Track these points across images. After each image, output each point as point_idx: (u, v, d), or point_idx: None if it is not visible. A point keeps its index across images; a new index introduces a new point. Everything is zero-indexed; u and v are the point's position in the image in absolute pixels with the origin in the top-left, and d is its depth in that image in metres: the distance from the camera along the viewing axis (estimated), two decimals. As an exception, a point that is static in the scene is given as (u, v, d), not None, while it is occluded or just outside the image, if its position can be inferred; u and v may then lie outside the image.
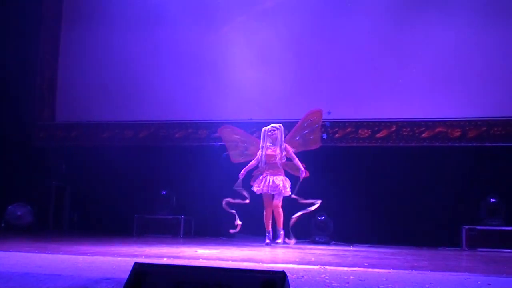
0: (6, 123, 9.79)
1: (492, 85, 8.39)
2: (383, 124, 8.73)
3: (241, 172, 7.53)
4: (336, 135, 8.84)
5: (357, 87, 8.81)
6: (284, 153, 7.41)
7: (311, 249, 7.12)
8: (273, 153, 7.39)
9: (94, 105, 9.66)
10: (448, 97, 8.53)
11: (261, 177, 7.46)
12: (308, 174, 7.53)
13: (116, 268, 4.01)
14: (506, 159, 8.23)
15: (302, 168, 7.43)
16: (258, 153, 7.53)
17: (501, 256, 6.85)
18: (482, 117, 8.39)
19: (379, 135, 8.73)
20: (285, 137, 7.53)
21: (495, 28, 8.47)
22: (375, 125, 8.76)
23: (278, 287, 2.53)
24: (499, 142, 8.31)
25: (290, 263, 4.89)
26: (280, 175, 7.41)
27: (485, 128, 8.38)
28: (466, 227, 7.86)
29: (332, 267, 4.43)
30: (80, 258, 4.71)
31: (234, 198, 7.61)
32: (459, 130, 8.45)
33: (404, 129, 8.64)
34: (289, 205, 7.55)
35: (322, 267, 4.40)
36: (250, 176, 7.71)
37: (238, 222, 7.60)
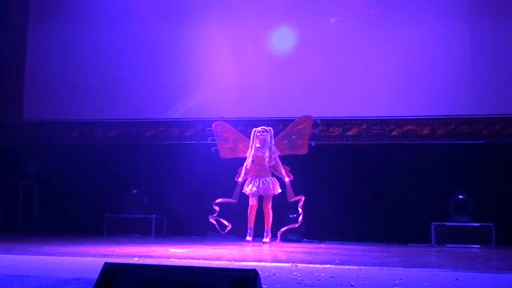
0: (-29, 122, 9.61)
1: (460, 84, 8.51)
2: (353, 122, 8.80)
3: (242, 176, 7.60)
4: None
5: (328, 85, 8.85)
6: (273, 156, 7.54)
7: (282, 247, 7.14)
8: (262, 155, 7.49)
9: (63, 104, 9.54)
10: (417, 95, 8.62)
11: (249, 179, 7.56)
12: (292, 177, 7.67)
13: (86, 268, 3.97)
14: (474, 156, 8.36)
15: (284, 174, 7.56)
16: (248, 152, 7.62)
17: (469, 252, 6.96)
18: (450, 115, 8.51)
19: (349, 133, 8.79)
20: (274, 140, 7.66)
21: (463, 27, 8.59)
22: (345, 123, 8.82)
23: (249, 285, 2.53)
24: (467, 139, 8.43)
25: (261, 261, 4.90)
26: (268, 176, 7.54)
27: (453, 126, 8.50)
28: (435, 223, 7.97)
29: (303, 265, 4.46)
30: (49, 258, 4.66)
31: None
32: (428, 128, 8.55)
33: (374, 127, 8.72)
34: (278, 206, 7.75)
35: (294, 265, 4.41)
36: (236, 173, 7.75)
37: (226, 223, 7.72)
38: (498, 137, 8.35)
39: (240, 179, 7.64)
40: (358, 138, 8.77)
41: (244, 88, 8.96)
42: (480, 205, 8.08)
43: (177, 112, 9.19)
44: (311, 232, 8.36)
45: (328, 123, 8.81)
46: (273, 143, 7.60)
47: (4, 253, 4.96)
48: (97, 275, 2.67)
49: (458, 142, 8.47)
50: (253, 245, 7.26)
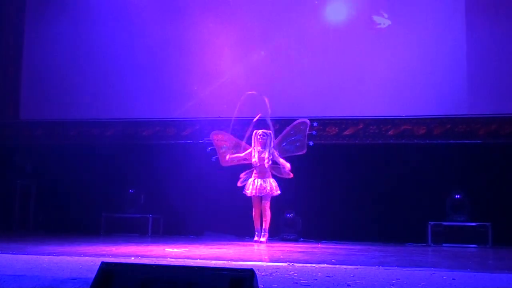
0: (-32, 122, 9.59)
1: (456, 83, 8.52)
2: (350, 122, 8.80)
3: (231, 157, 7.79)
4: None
5: (324, 85, 8.85)
6: (271, 157, 7.65)
7: (279, 246, 7.14)
8: (262, 156, 7.61)
9: (60, 103, 9.52)
10: (413, 95, 8.63)
11: (250, 180, 7.69)
12: (292, 175, 7.73)
13: (83, 268, 3.96)
14: (470, 156, 8.38)
15: (283, 162, 7.67)
16: (248, 151, 7.73)
17: (465, 252, 6.97)
18: (447, 115, 8.52)
19: (346, 132, 8.80)
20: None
21: (459, 27, 8.60)
22: (342, 123, 8.82)
23: (246, 285, 2.53)
24: (464, 139, 8.45)
25: (258, 260, 4.89)
26: (267, 177, 7.66)
27: (449, 125, 8.51)
28: (432, 223, 7.98)
29: (300, 264, 4.45)
30: (46, 258, 4.64)
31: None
32: (424, 127, 8.57)
33: (371, 127, 8.72)
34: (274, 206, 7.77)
35: (291, 264, 4.41)
36: (238, 178, 7.85)
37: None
38: (495, 137, 8.36)
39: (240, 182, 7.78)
40: (355, 138, 8.78)
41: (240, 88, 8.94)
42: (476, 204, 8.10)
43: (174, 111, 9.18)
44: (308, 231, 8.37)
45: (325, 122, 8.81)
46: (272, 145, 7.72)
47: (0, 253, 4.95)
48: (94, 275, 2.67)
49: (454, 141, 8.48)
50: (251, 245, 7.26)
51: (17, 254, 4.95)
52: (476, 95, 8.45)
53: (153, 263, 3.65)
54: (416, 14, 8.74)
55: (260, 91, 8.84)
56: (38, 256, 4.76)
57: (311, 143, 7.91)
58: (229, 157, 7.78)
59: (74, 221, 9.04)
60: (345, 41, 8.89)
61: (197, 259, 4.94)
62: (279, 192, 7.65)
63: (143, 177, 9.15)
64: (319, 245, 7.52)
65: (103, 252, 5.47)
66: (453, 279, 3.66)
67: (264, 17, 9.13)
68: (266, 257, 5.43)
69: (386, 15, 8.72)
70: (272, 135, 7.73)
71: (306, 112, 8.78)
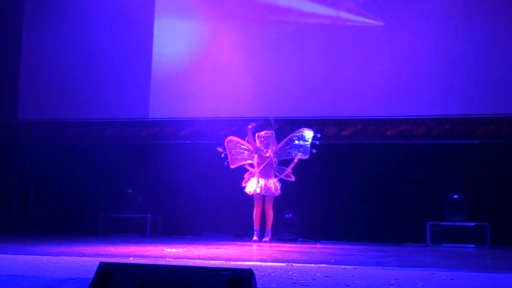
0: (-34, 121, 9.58)
1: (455, 84, 8.53)
2: (349, 122, 8.80)
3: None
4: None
5: (323, 85, 8.85)
6: (276, 156, 7.88)
7: (278, 246, 7.14)
8: (266, 155, 7.81)
9: (58, 103, 9.51)
10: (412, 95, 8.64)
11: (252, 179, 7.84)
12: (294, 178, 7.94)
13: (82, 268, 3.96)
14: (469, 156, 8.38)
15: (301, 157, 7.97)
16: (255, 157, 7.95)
17: (464, 252, 6.97)
18: (445, 115, 8.53)
19: (345, 133, 8.80)
20: (277, 143, 7.96)
21: (458, 27, 8.61)
22: (341, 123, 8.82)
23: (245, 285, 2.53)
24: (462, 139, 8.45)
25: (257, 260, 4.90)
26: (271, 177, 7.85)
27: (448, 126, 8.51)
28: (430, 223, 7.98)
29: (299, 264, 4.46)
30: (45, 258, 4.64)
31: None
32: (423, 128, 8.57)
33: (370, 127, 8.73)
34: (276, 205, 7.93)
35: (289, 264, 4.41)
36: (237, 178, 7.99)
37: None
38: (493, 137, 8.37)
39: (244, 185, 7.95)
40: (353, 138, 8.78)
41: (239, 88, 8.96)
42: (475, 204, 8.11)
43: (172, 111, 9.18)
44: (307, 232, 8.37)
45: (323, 122, 8.82)
46: (276, 145, 7.92)
47: (-1, 253, 4.95)
48: (93, 275, 2.67)
49: (453, 142, 8.49)
50: (249, 245, 7.26)
51: (16, 254, 4.95)
52: (475, 95, 8.46)
53: (151, 263, 3.65)
54: (414, 13, 8.74)
55: (259, 90, 8.88)
56: (37, 256, 4.76)
57: (314, 150, 7.98)
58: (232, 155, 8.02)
59: (73, 221, 9.03)
60: (344, 41, 8.89)
61: (195, 259, 4.94)
62: (280, 192, 7.83)
63: (142, 177, 9.14)
64: (318, 245, 7.53)
65: (102, 252, 5.47)
66: (452, 279, 3.67)
67: (263, 17, 9.13)
68: (264, 257, 5.44)
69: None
70: (274, 136, 7.89)
71: (305, 112, 8.81)
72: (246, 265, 4.32)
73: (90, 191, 9.09)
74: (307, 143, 8.03)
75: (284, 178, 7.96)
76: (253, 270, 2.61)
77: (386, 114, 8.69)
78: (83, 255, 5.04)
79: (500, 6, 8.54)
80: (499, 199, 8.14)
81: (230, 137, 8.24)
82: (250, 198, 7.91)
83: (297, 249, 6.61)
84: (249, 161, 8.02)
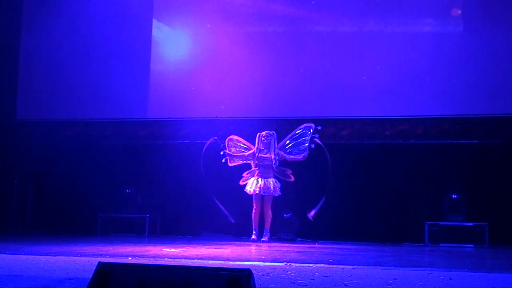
0: (-35, 121, 9.55)
1: (453, 83, 8.52)
2: (347, 122, 8.80)
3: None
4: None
5: (322, 85, 8.85)
6: (277, 157, 7.94)
7: (276, 246, 7.15)
8: (267, 156, 7.89)
9: (57, 103, 9.48)
10: (411, 95, 8.63)
11: (252, 179, 7.92)
12: (293, 179, 8.04)
13: (80, 268, 3.96)
14: (467, 156, 8.38)
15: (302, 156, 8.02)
16: (251, 151, 8.00)
17: (462, 251, 6.98)
18: (444, 115, 8.52)
19: (343, 132, 8.80)
20: (277, 143, 8.02)
21: (456, 27, 8.61)
22: (339, 123, 8.82)
23: (243, 285, 2.53)
24: (461, 139, 8.45)
25: (255, 260, 4.90)
26: (270, 177, 7.92)
27: (447, 125, 8.51)
28: (429, 223, 7.98)
29: (297, 264, 4.46)
30: (43, 258, 4.65)
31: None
32: (421, 127, 8.56)
33: (368, 127, 8.72)
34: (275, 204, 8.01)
35: (288, 264, 4.42)
36: (240, 177, 8.08)
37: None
38: (492, 137, 8.37)
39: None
40: (352, 138, 8.77)
41: (237, 88, 8.95)
42: (473, 204, 8.10)
43: (171, 111, 9.18)
44: (305, 231, 8.37)
45: (322, 122, 8.81)
46: (277, 145, 7.98)
47: (-3, 253, 4.95)
48: (91, 275, 2.67)
49: (451, 141, 8.49)
50: (248, 245, 7.27)
51: (14, 254, 4.96)
52: (474, 95, 8.45)
53: (150, 263, 3.65)
54: (412, 13, 8.74)
55: (257, 90, 8.88)
56: (35, 256, 4.76)
57: (312, 145, 8.03)
58: (230, 155, 8.09)
59: (71, 221, 9.02)
60: (342, 41, 8.88)
61: (194, 259, 4.94)
62: (280, 193, 7.92)
63: (140, 177, 9.13)
64: (316, 245, 7.53)
65: (100, 252, 5.47)
66: (450, 279, 3.67)
67: (261, 17, 9.12)
68: (263, 257, 5.44)
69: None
70: (275, 136, 7.98)
71: (303, 112, 8.80)
72: (245, 265, 4.32)
73: (89, 191, 9.07)
74: (307, 138, 8.07)
75: (283, 178, 8.01)
76: (252, 270, 2.62)
77: (385, 114, 8.68)
78: (82, 255, 5.04)
79: (499, 5, 8.53)
80: (498, 199, 8.14)
81: (231, 136, 8.30)
82: (248, 198, 7.92)
83: (296, 249, 6.61)
84: (249, 161, 8.05)
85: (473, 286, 3.51)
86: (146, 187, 9.09)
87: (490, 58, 8.44)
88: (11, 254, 4.95)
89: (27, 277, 3.51)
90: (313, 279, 3.59)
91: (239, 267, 2.80)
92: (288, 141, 8.13)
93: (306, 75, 8.89)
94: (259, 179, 7.86)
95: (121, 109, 9.33)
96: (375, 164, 8.64)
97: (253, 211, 7.90)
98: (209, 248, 6.48)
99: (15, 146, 9.58)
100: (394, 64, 8.68)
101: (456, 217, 8.06)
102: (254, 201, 7.91)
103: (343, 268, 4.20)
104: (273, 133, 7.97)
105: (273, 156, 7.87)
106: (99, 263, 2.69)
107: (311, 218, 7.93)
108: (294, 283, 3.45)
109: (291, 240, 8.15)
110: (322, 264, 4.50)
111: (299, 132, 8.13)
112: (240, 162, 8.15)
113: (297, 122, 8.59)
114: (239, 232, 8.35)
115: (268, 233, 7.90)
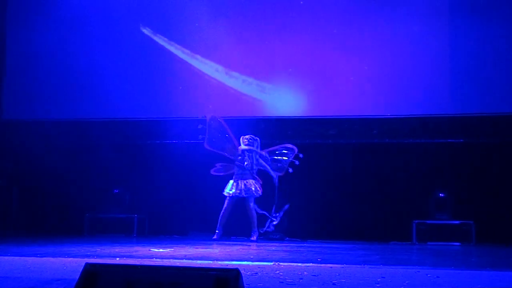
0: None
1: (439, 83, 8.56)
2: (334, 121, 8.82)
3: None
4: (289, 132, 8.89)
5: (308, 84, 8.85)
6: (255, 162, 7.99)
7: (265, 245, 7.14)
8: (246, 160, 7.92)
9: (43, 103, 9.41)
10: (397, 94, 8.67)
11: (231, 182, 7.92)
12: (261, 194, 8.01)
13: (67, 269, 3.94)
14: (454, 155, 8.44)
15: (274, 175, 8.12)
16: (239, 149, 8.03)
17: (449, 250, 7.02)
18: (430, 114, 8.56)
19: (330, 132, 8.82)
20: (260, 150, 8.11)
21: (443, 26, 8.64)
22: (326, 122, 8.83)
23: (231, 285, 2.52)
24: (447, 138, 8.50)
25: (244, 260, 4.89)
26: (250, 179, 7.92)
27: (433, 125, 8.56)
28: (416, 221, 8.02)
29: (286, 263, 4.46)
30: (30, 259, 4.60)
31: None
32: (408, 126, 8.60)
33: (355, 126, 8.75)
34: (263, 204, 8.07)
35: (276, 264, 4.41)
36: (224, 179, 8.08)
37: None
38: (477, 136, 8.43)
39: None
40: (339, 137, 8.79)
41: (226, 88, 8.94)
42: (460, 203, 8.16)
43: (159, 111, 9.15)
44: (293, 231, 8.38)
45: (310, 122, 8.83)
46: (259, 150, 8.04)
47: (-17, 254, 4.90)
48: (78, 276, 2.65)
49: (438, 140, 8.54)
50: (236, 244, 7.26)
51: (0, 255, 4.90)
52: (459, 94, 8.51)
53: (138, 263, 3.63)
54: (399, 13, 8.75)
55: (246, 90, 8.87)
56: (21, 258, 4.72)
57: (290, 170, 8.13)
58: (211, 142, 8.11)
59: (58, 222, 8.96)
60: (330, 40, 8.88)
61: (182, 259, 4.92)
62: (260, 194, 7.92)
63: (128, 177, 9.09)
64: (305, 244, 7.53)
65: (88, 253, 5.43)
66: (437, 277, 3.69)
67: (250, 16, 9.11)
68: (251, 257, 5.43)
69: None
70: (259, 142, 8.04)
71: (291, 111, 8.81)
72: (233, 264, 4.31)
73: (76, 191, 9.02)
74: (286, 158, 8.16)
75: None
76: (240, 270, 2.61)
77: (372, 113, 8.71)
78: (69, 255, 5.00)
79: (485, 5, 8.57)
80: (484, 197, 8.20)
81: (213, 115, 8.26)
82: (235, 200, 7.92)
83: (284, 248, 6.62)
84: (226, 154, 8.10)
85: (459, 284, 3.53)
86: (134, 187, 9.05)
87: (477, 57, 8.48)
88: (-3, 255, 4.91)
89: (13, 278, 3.48)
90: (302, 278, 3.59)
91: (227, 267, 2.79)
92: (269, 155, 8.19)
93: (293, 75, 8.88)
94: (239, 181, 7.86)
95: (109, 108, 9.28)
96: (362, 164, 8.68)
97: (222, 212, 7.89)
98: (197, 248, 6.47)
99: (0, 146, 9.49)
100: (382, 64, 8.71)
101: (443, 215, 8.11)
102: (227, 202, 7.90)
103: (331, 267, 4.20)
104: (256, 138, 8.03)
105: (249, 160, 7.89)
106: (86, 263, 2.68)
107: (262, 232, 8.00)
108: (282, 282, 3.45)
109: (280, 239, 8.15)
110: (311, 264, 4.50)
111: (281, 151, 8.22)
112: (220, 152, 8.14)
113: (285, 122, 8.63)
114: (227, 232, 8.33)
115: (257, 232, 7.91)
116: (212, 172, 8.08)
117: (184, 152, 8.60)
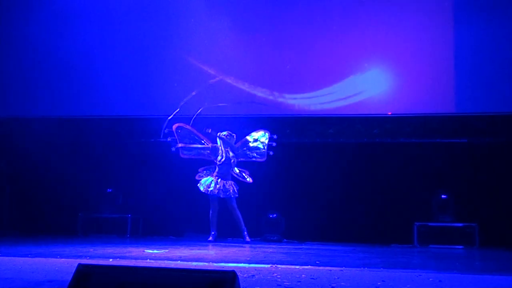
0: None
1: (443, 82, 8.55)
2: (334, 119, 8.81)
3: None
4: (287, 131, 8.88)
5: (308, 82, 8.84)
6: (237, 157, 8.14)
7: (262, 247, 7.14)
8: (228, 155, 8.06)
9: (36, 100, 9.39)
10: (400, 93, 8.65)
11: (211, 179, 8.05)
12: (251, 180, 8.14)
13: (59, 269, 3.94)
14: (457, 155, 8.42)
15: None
16: (207, 146, 8.24)
17: (452, 253, 7.02)
18: (433, 113, 8.55)
19: (330, 131, 8.81)
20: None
21: (447, 25, 8.64)
22: (326, 121, 8.82)
23: (228, 287, 2.52)
24: (450, 138, 8.50)
25: (240, 262, 4.89)
26: (229, 179, 8.07)
27: (436, 124, 8.55)
28: (418, 224, 8.01)
29: (283, 266, 4.46)
30: (21, 259, 4.61)
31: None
32: (410, 126, 8.60)
33: (356, 125, 8.74)
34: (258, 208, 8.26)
35: (274, 266, 4.42)
36: (196, 172, 8.20)
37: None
38: (481, 136, 8.42)
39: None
40: (340, 136, 8.79)
41: (222, 85, 8.92)
42: (463, 205, 8.15)
43: (154, 109, 9.13)
44: (291, 232, 8.38)
45: (309, 120, 8.82)
46: (235, 146, 8.19)
47: (-28, 255, 4.90)
48: (71, 277, 2.65)
49: (440, 140, 8.53)
50: (233, 246, 7.26)
51: (-10, 255, 4.90)
52: (463, 93, 8.49)
53: (131, 265, 3.63)
54: (403, 10, 8.74)
55: (242, 87, 8.85)
56: (12, 258, 4.72)
57: (271, 152, 8.21)
58: (183, 146, 8.26)
59: (50, 222, 8.94)
60: (330, 37, 8.87)
61: (177, 260, 4.93)
62: (237, 195, 8.03)
63: (122, 176, 9.09)
64: (303, 246, 7.53)
65: (80, 254, 5.44)
66: (440, 281, 3.69)
67: (245, 15, 9.10)
68: (248, 259, 5.43)
69: None
70: (234, 137, 8.17)
71: (290, 110, 8.80)
72: (229, 267, 4.32)
73: (69, 191, 9.01)
74: (262, 145, 8.25)
75: (242, 180, 8.13)
76: (236, 272, 2.61)
77: (373, 112, 8.70)
78: (61, 256, 5.01)
79: (490, 3, 8.56)
80: (488, 199, 8.19)
81: (180, 124, 8.41)
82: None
83: (282, 250, 6.62)
84: (203, 156, 8.25)
85: (462, 288, 3.53)
86: (128, 186, 9.04)
87: (481, 56, 8.47)
88: (-13, 255, 4.91)
89: (3, 279, 3.47)
90: (300, 281, 3.60)
91: (223, 269, 2.79)
92: (243, 145, 8.30)
93: (291, 72, 8.87)
94: (219, 180, 7.99)
95: (102, 106, 9.26)
96: (362, 164, 8.67)
97: (211, 213, 8.03)
98: (192, 249, 6.47)
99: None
100: (382, 62, 8.70)
101: (445, 217, 8.11)
102: (211, 202, 8.04)
103: (330, 270, 4.21)
104: (233, 134, 8.15)
105: (231, 155, 8.04)
106: (79, 264, 2.68)
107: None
108: (280, 285, 3.45)
109: (277, 241, 8.16)
110: (309, 266, 4.50)
111: (255, 139, 8.31)
112: (193, 156, 8.30)
113: (282, 120, 8.63)
114: (223, 233, 8.33)
115: (246, 231, 7.99)
116: (196, 177, 8.15)
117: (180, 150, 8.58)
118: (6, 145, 9.35)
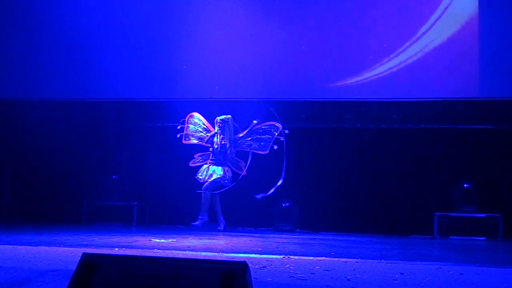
0: None
1: (467, 64, 8.47)
2: (351, 104, 8.76)
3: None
4: (302, 115, 8.86)
5: (324, 64, 8.79)
6: (233, 146, 8.17)
7: (274, 237, 7.16)
8: (223, 142, 8.12)
9: (37, 81, 9.40)
10: (420, 75, 8.56)
11: (205, 166, 8.18)
12: (245, 172, 8.14)
13: (63, 259, 3.97)
14: (481, 142, 8.37)
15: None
16: (210, 135, 8.26)
17: (474, 245, 7.01)
18: (456, 97, 8.46)
19: (347, 116, 8.78)
20: (238, 131, 8.23)
21: (471, 8, 8.56)
22: (343, 105, 8.78)
23: (238, 278, 2.53)
24: (474, 124, 8.44)
25: (252, 252, 4.91)
26: (223, 165, 8.12)
27: (459, 109, 8.49)
28: (438, 214, 8.00)
29: (296, 257, 4.48)
30: (23, 248, 4.65)
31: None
32: (432, 111, 8.54)
33: (374, 110, 8.70)
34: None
35: (286, 257, 4.43)
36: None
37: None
38: (507, 122, 8.36)
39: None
40: (356, 122, 8.76)
41: (232, 67, 8.89)
42: (486, 194, 8.12)
43: (162, 91, 9.13)
44: (305, 222, 8.39)
45: (324, 104, 8.79)
46: (232, 132, 8.19)
47: (-27, 243, 4.95)
48: (75, 267, 2.67)
49: (464, 126, 8.48)
50: (243, 236, 7.29)
51: (-8, 244, 4.95)
52: (489, 77, 8.40)
53: (138, 254, 3.66)
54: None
55: (253, 70, 8.82)
56: (15, 246, 4.77)
57: (276, 146, 8.09)
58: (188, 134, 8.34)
59: (54, 209, 9.02)
60: (347, 20, 8.81)
61: (185, 250, 4.96)
62: (230, 184, 8.05)
63: (128, 162, 9.12)
64: (317, 237, 7.55)
65: (85, 243, 5.48)
66: (461, 274, 3.69)
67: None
68: (260, 249, 5.45)
69: None
70: (231, 121, 8.17)
71: (305, 93, 8.76)
72: (240, 257, 4.33)
73: (72, 177, 9.06)
74: (270, 137, 8.20)
75: (235, 170, 8.16)
76: (248, 263, 2.62)
77: (392, 96, 8.63)
78: (65, 245, 5.05)
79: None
80: (513, 188, 8.16)
81: (193, 113, 8.48)
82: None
83: (295, 241, 6.64)
84: (205, 143, 8.29)
85: (485, 282, 3.53)
86: (135, 173, 9.08)
87: (506, 39, 8.37)
88: (-11, 244, 4.96)
89: (6, 268, 3.51)
90: (313, 273, 3.61)
91: (234, 259, 2.81)
92: (248, 135, 8.26)
93: (307, 54, 8.82)
94: (210, 167, 8.11)
95: (107, 88, 9.26)
96: (381, 150, 8.63)
97: (203, 198, 8.06)
98: (201, 239, 6.50)
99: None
100: (402, 44, 8.62)
101: (467, 208, 8.08)
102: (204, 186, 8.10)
103: (345, 262, 4.22)
104: (228, 119, 8.16)
105: (227, 142, 8.08)
106: (84, 254, 2.69)
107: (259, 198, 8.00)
108: (293, 277, 3.46)
109: (290, 231, 8.18)
110: (323, 257, 4.51)
111: (265, 129, 8.25)
112: (195, 141, 8.35)
113: (297, 104, 8.59)
114: (233, 222, 8.36)
115: (224, 221, 8.07)
116: (190, 164, 8.26)
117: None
118: (5, 128, 9.36)
